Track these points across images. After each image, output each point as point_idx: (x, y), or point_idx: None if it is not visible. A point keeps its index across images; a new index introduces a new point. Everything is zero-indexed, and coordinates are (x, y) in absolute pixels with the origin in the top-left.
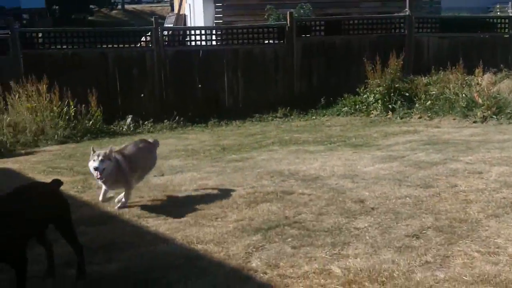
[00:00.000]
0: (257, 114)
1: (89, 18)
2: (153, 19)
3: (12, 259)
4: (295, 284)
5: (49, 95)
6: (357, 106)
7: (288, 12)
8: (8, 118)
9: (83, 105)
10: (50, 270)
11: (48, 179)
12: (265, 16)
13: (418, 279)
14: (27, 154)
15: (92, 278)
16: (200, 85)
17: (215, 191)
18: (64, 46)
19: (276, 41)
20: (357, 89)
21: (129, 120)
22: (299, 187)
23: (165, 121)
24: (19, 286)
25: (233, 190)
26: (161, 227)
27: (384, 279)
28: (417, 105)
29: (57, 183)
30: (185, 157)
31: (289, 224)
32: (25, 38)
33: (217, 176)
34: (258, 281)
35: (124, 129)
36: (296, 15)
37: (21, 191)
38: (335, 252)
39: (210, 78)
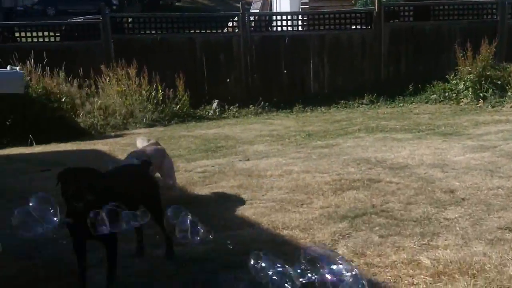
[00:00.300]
0: (342, 101)
1: (177, 3)
2: (239, 5)
3: (105, 237)
4: (382, 273)
5: (138, 79)
6: (447, 94)
7: None
8: (99, 101)
9: (171, 90)
10: (139, 250)
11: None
12: (352, 1)
13: (511, 273)
14: (116, 136)
15: (179, 259)
16: (285, 71)
17: (301, 177)
18: (153, 31)
19: (363, 27)
20: (447, 76)
21: (215, 104)
22: (387, 175)
23: (250, 106)
24: (110, 264)
25: (319, 177)
26: (247, 212)
27: (475, 271)
28: (509, 93)
29: (147, 164)
30: (270, 143)
31: (376, 213)
32: (116, 23)
33: (302, 162)
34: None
35: (210, 114)
36: (384, 0)
37: (115, 171)
38: (424, 242)
39: (296, 63)
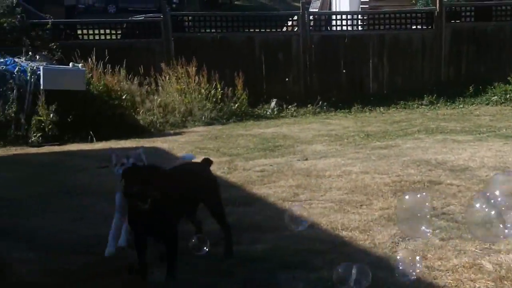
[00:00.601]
0: (401, 101)
1: (235, 2)
2: (299, 4)
3: (167, 234)
4: (443, 277)
5: (197, 77)
6: (508, 96)
7: None
8: (159, 99)
9: (230, 88)
10: None
11: (196, 160)
12: (413, 1)
13: None
14: (175, 134)
15: (238, 258)
16: (344, 70)
17: (360, 178)
18: (213, 30)
19: (424, 27)
20: (508, 78)
21: (273, 103)
22: (447, 177)
23: (309, 105)
24: (170, 261)
25: (378, 178)
26: (305, 212)
27: None
28: None
29: (208, 162)
30: (328, 142)
31: (437, 215)
32: (176, 22)
33: (361, 163)
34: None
35: (268, 113)
36: (445, 0)
37: (177, 169)
38: (485, 246)
39: (355, 63)
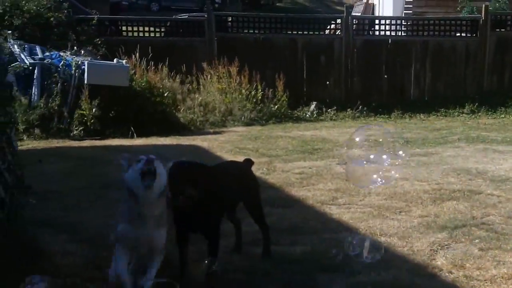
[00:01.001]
0: (442, 109)
1: (278, 4)
2: (342, 7)
3: (210, 231)
4: (481, 287)
5: (238, 77)
6: None
7: (483, 5)
8: (200, 98)
9: (270, 89)
10: (237, 247)
11: (235, 159)
12: (458, 8)
13: None
14: (215, 133)
15: (276, 259)
16: (386, 75)
17: (399, 184)
18: (256, 31)
19: (468, 34)
20: None
21: (313, 106)
22: (488, 187)
23: (348, 110)
24: (211, 257)
25: (418, 185)
26: (344, 216)
27: None
28: None
29: (249, 162)
30: (367, 148)
31: (477, 225)
32: (219, 22)
33: (400, 170)
34: (443, 280)
35: (307, 115)
36: (491, 8)
37: (220, 167)
38: None
39: (397, 68)
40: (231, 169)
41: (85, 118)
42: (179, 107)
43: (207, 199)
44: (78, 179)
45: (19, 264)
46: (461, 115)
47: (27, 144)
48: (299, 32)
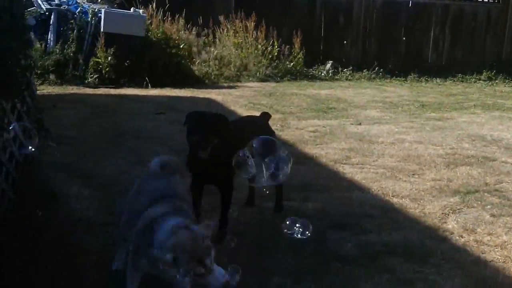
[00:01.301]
0: (459, 74)
1: None
2: None
3: (225, 183)
4: (491, 252)
5: (255, 32)
6: None
7: None
8: (215, 51)
9: (287, 46)
10: (250, 200)
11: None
12: None
13: None
14: (229, 87)
15: (289, 214)
16: (404, 38)
17: (413, 147)
18: None
19: (491, 1)
20: None
21: (328, 65)
22: (502, 154)
23: (364, 70)
24: (224, 209)
25: (432, 149)
26: (357, 175)
27: None
28: None
29: (267, 116)
30: (382, 109)
31: (489, 191)
32: None
33: (415, 133)
34: (454, 243)
35: (322, 74)
36: None
37: (238, 120)
38: None
39: (415, 31)
40: (249, 122)
41: (100, 66)
42: (194, 59)
43: (226, 152)
44: (93, 126)
45: (34, 205)
46: (478, 81)
47: (41, 89)
48: None
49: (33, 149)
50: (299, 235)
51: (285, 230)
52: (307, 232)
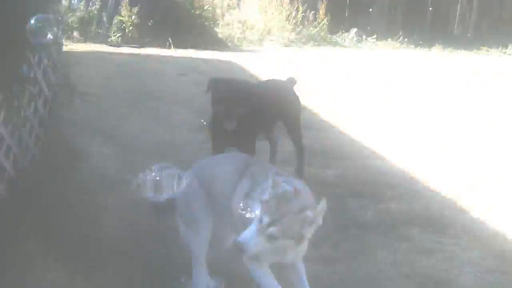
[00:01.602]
0: (484, 47)
1: None
2: None
3: (246, 147)
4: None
5: None
6: None
7: None
8: (239, 14)
9: (311, 12)
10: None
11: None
12: None
13: None
14: (252, 51)
15: (308, 180)
16: (430, 8)
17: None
18: None
19: None
20: None
21: (353, 33)
22: None
23: (389, 39)
24: None
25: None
26: (379, 144)
27: None
28: None
29: (292, 81)
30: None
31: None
32: None
33: None
34: (473, 216)
35: (346, 42)
36: None
37: (263, 84)
38: None
39: (442, 2)
40: (274, 86)
41: (124, 25)
42: (218, 22)
43: (249, 116)
44: (115, 85)
45: (57, 162)
46: (503, 55)
47: (65, 46)
48: None
49: (51, 37)
50: None
51: None
52: None
